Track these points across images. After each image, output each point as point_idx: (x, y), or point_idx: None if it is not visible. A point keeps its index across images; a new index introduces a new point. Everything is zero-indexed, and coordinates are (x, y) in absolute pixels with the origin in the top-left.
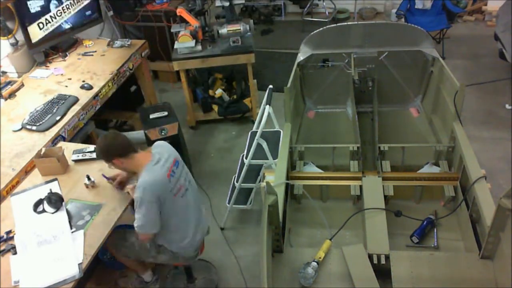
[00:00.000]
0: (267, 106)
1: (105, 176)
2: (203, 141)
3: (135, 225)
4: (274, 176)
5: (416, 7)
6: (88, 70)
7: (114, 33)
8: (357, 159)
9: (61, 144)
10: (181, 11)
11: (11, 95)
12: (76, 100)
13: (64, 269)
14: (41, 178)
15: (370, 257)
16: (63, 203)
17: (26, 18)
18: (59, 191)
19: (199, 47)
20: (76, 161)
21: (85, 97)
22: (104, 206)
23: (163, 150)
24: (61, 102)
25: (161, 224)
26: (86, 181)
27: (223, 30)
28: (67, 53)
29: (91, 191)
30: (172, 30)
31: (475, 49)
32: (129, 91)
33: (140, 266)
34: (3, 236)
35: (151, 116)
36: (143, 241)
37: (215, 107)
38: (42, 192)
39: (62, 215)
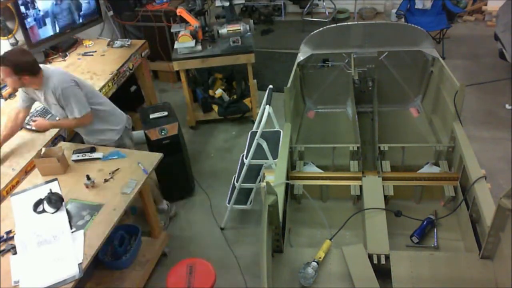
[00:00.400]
0: (267, 106)
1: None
2: (203, 141)
3: (73, 116)
4: (274, 176)
5: (416, 7)
6: (88, 70)
7: (114, 33)
8: (357, 159)
9: (61, 144)
10: (181, 11)
11: (11, 95)
12: None
13: (64, 269)
14: (41, 178)
15: (370, 257)
16: (63, 203)
17: None
18: (59, 191)
19: (199, 47)
20: (76, 161)
21: None
22: (104, 206)
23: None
24: None
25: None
26: (86, 181)
27: (223, 30)
28: (67, 53)
29: (91, 191)
30: (172, 30)
31: (475, 49)
32: (129, 91)
33: (156, 199)
34: (3, 236)
35: (151, 116)
36: (85, 124)
37: (215, 107)
38: (42, 192)
39: (62, 215)
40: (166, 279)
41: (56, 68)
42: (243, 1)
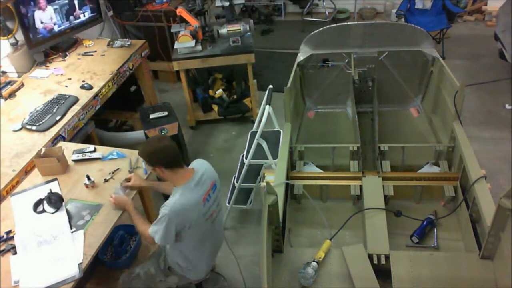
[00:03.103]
0: (267, 106)
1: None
2: (203, 141)
3: (150, 229)
4: (274, 176)
5: (416, 7)
6: (88, 70)
7: (114, 33)
8: (357, 159)
9: (61, 144)
10: (181, 11)
11: (11, 95)
12: (76, 100)
13: (64, 269)
14: (41, 178)
15: (370, 257)
16: (63, 203)
17: None
18: (59, 191)
19: (199, 47)
20: (76, 161)
21: (85, 97)
22: (104, 206)
23: (204, 171)
24: (61, 102)
25: (181, 245)
26: (86, 181)
27: (223, 30)
28: (67, 53)
29: (91, 191)
30: (172, 30)
31: (475, 49)
32: (129, 91)
33: None
34: (3, 236)
35: (151, 116)
36: (147, 242)
37: (215, 107)
38: (42, 192)
39: (62, 215)
40: None
41: (188, 192)
42: (243, 1)
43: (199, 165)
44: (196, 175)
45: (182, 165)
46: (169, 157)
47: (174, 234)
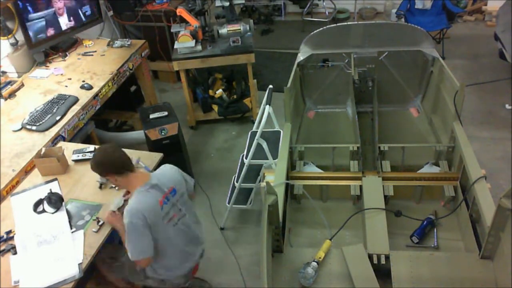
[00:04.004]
0: (267, 106)
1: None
2: (203, 141)
3: (128, 253)
4: (274, 176)
5: (416, 7)
6: (88, 70)
7: (114, 33)
8: (357, 159)
9: (61, 144)
10: (181, 11)
11: (11, 95)
12: (76, 100)
13: (64, 269)
14: (41, 178)
15: (370, 257)
16: (63, 203)
17: None
18: (59, 191)
19: (199, 47)
20: (76, 161)
21: (85, 97)
22: (104, 206)
23: (163, 175)
24: (61, 102)
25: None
26: (100, 180)
27: (223, 30)
28: (67, 53)
29: (91, 191)
30: (172, 30)
31: (475, 49)
32: (129, 91)
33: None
34: (3, 236)
35: (151, 116)
36: (141, 267)
37: (215, 107)
38: (42, 192)
39: (62, 215)
40: None
41: (142, 195)
42: (243, 1)
43: (159, 169)
44: (152, 179)
45: (132, 169)
46: (115, 163)
47: (150, 237)
